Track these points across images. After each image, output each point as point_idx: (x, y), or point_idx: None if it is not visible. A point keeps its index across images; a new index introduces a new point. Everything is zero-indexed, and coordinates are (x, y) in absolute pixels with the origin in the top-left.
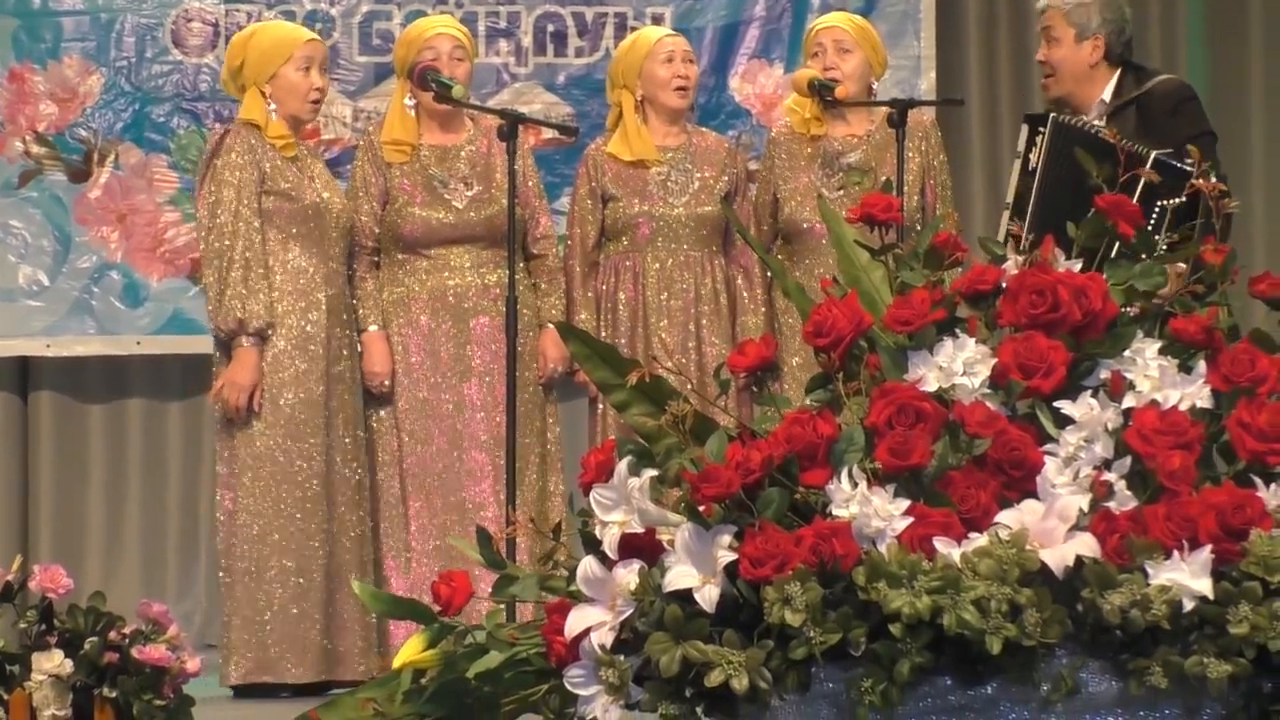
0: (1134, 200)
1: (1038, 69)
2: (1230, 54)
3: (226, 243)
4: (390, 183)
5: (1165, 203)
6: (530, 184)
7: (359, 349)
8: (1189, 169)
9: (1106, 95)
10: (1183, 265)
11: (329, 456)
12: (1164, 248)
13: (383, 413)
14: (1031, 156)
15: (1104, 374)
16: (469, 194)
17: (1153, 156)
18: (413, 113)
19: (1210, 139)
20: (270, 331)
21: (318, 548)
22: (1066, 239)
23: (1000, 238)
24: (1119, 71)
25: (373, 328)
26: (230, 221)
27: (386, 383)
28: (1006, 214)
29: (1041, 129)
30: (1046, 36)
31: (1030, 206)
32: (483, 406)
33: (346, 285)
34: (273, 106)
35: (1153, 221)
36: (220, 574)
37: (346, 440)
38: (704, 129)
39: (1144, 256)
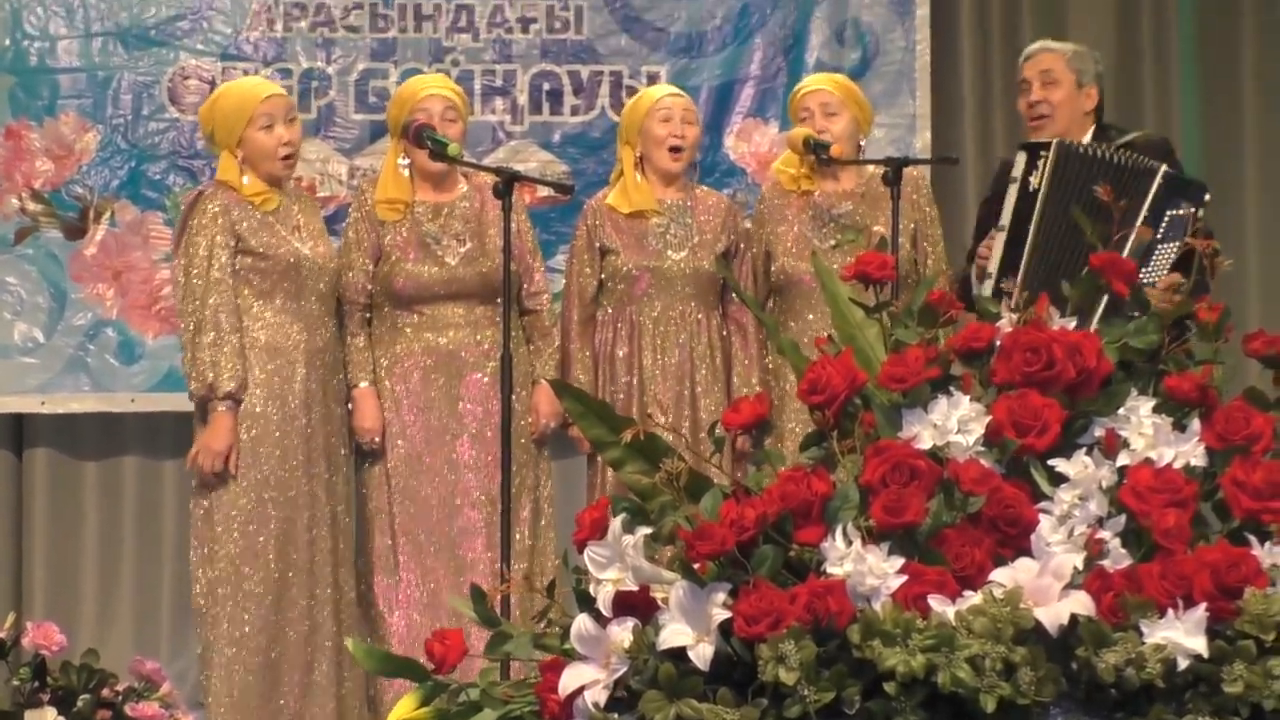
0: (1144, 211)
1: (1024, 111)
2: (1223, 110)
3: (198, 305)
4: (383, 239)
5: (1174, 212)
6: (525, 240)
7: (349, 405)
8: (1198, 181)
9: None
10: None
11: (311, 517)
12: (1171, 256)
13: (374, 470)
14: (1032, 179)
15: (1098, 432)
16: (462, 250)
17: (1162, 169)
18: (406, 172)
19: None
20: (243, 395)
21: (304, 607)
22: (1072, 257)
23: (993, 261)
24: (1095, 125)
25: (363, 384)
26: (203, 284)
27: (377, 439)
28: (1001, 236)
29: (1043, 153)
30: (1043, 80)
31: (1034, 225)
32: (475, 463)
33: (333, 340)
34: (245, 168)
35: (1161, 232)
36: (198, 632)
37: (328, 502)
38: (705, 187)
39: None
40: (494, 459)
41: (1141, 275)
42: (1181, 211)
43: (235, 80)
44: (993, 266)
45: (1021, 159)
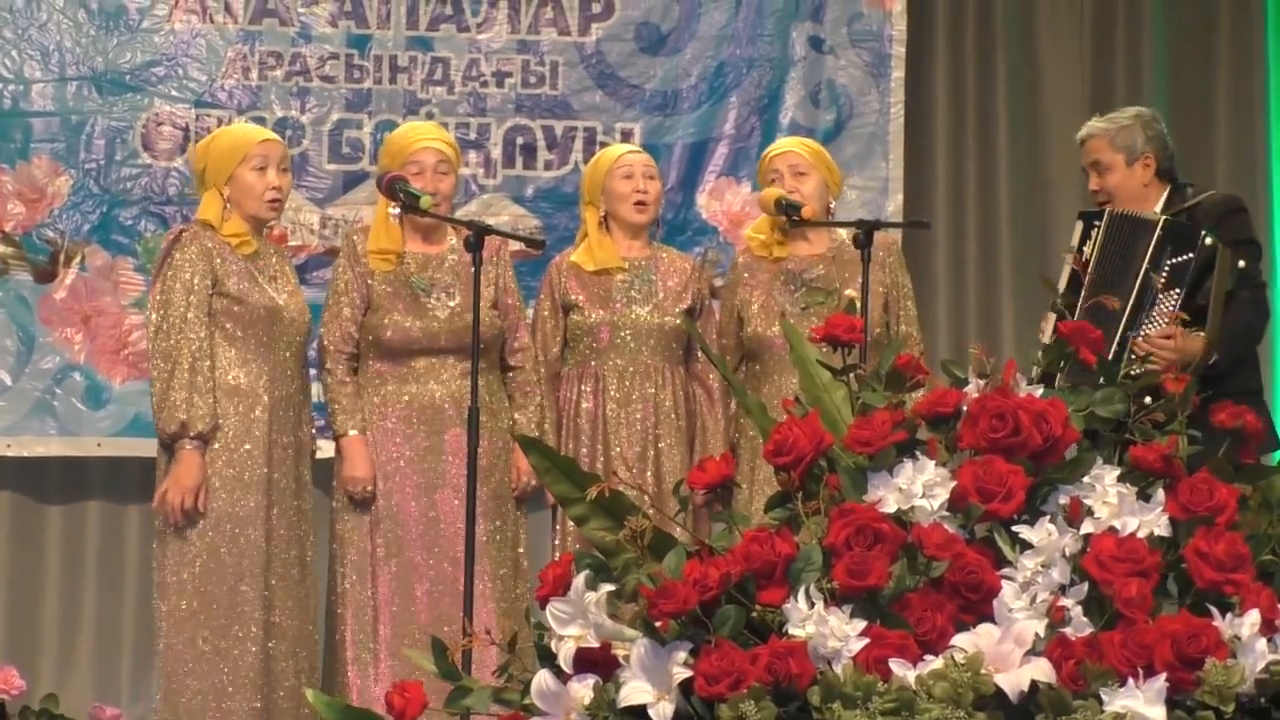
0: (1145, 263)
1: (1004, 193)
2: (1196, 178)
3: (174, 343)
4: (371, 290)
5: (1173, 260)
6: (511, 295)
7: (310, 454)
8: (1196, 227)
9: (1158, 210)
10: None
11: (267, 564)
12: (1173, 303)
13: (354, 521)
14: (1085, 249)
15: (1063, 499)
16: (450, 304)
17: (1161, 219)
18: (397, 222)
19: (1255, 248)
20: (214, 436)
21: (254, 651)
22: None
23: (1046, 334)
24: (1169, 188)
25: (352, 432)
26: (179, 323)
27: (369, 488)
28: (1056, 303)
29: (1097, 223)
30: (1095, 168)
31: (1083, 293)
32: (455, 517)
33: (298, 393)
34: (229, 207)
35: (1163, 281)
36: (159, 678)
37: (286, 548)
38: (669, 246)
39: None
40: (475, 512)
41: (1145, 325)
42: (1182, 259)
43: (235, 124)
44: (1047, 338)
45: (1077, 229)
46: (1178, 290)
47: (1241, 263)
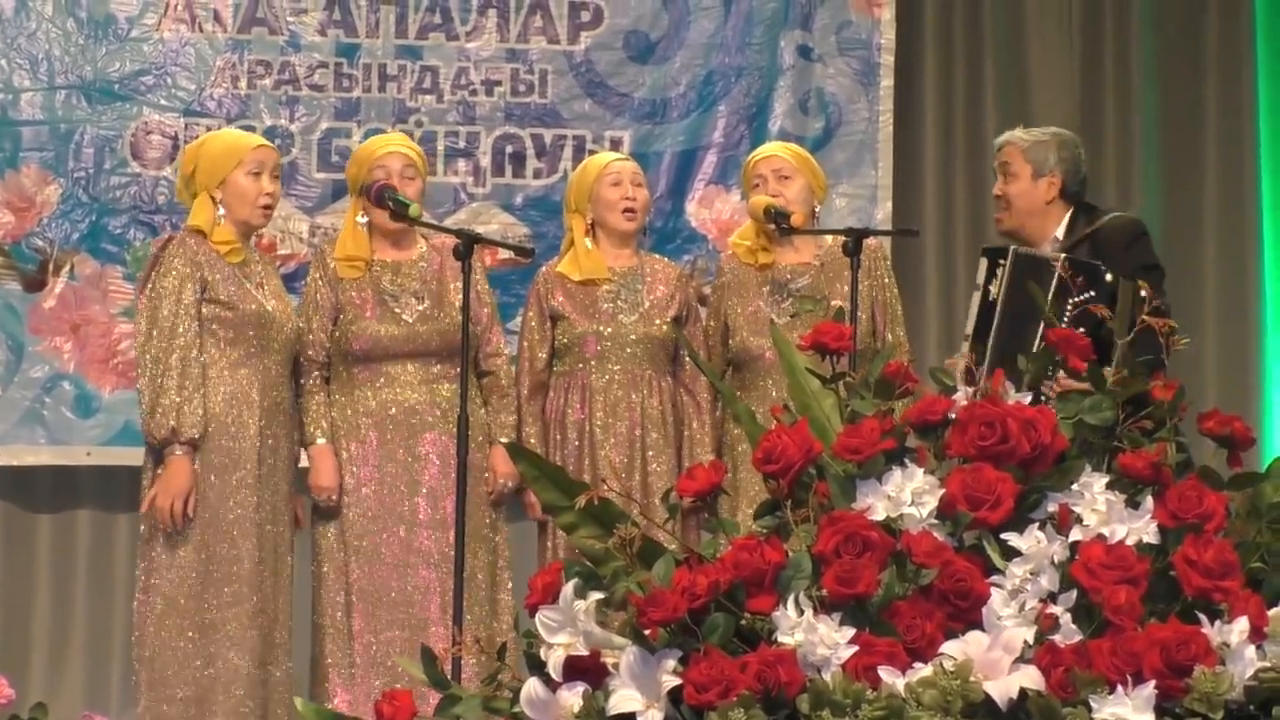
0: (1048, 304)
1: (992, 201)
2: (1185, 190)
3: (162, 350)
4: (341, 297)
5: (1076, 298)
6: (484, 302)
7: (295, 461)
8: (1098, 265)
9: (1060, 233)
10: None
11: (258, 569)
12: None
13: (330, 528)
14: (991, 288)
15: (1051, 507)
16: (419, 308)
17: (1062, 258)
18: (365, 230)
19: (1159, 273)
20: (202, 440)
21: (244, 655)
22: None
23: (960, 370)
24: (1072, 210)
25: (320, 441)
26: (167, 330)
27: (334, 497)
28: (966, 345)
29: (1002, 261)
30: (1003, 171)
31: (991, 336)
32: (431, 522)
33: (289, 396)
34: (222, 212)
35: (1065, 322)
36: (133, 676)
37: (276, 554)
38: (656, 254)
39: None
40: (450, 518)
41: None
42: (1086, 297)
43: (224, 130)
44: (959, 375)
45: (983, 266)
46: (1083, 329)
47: (1144, 292)
